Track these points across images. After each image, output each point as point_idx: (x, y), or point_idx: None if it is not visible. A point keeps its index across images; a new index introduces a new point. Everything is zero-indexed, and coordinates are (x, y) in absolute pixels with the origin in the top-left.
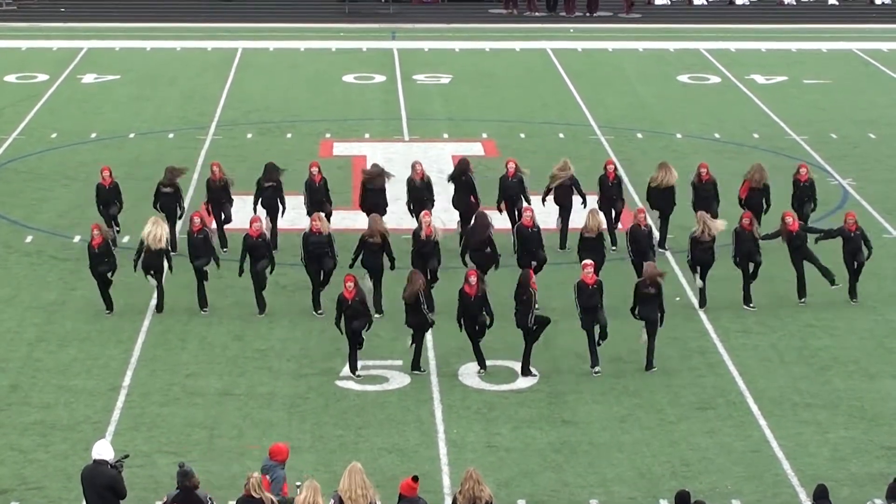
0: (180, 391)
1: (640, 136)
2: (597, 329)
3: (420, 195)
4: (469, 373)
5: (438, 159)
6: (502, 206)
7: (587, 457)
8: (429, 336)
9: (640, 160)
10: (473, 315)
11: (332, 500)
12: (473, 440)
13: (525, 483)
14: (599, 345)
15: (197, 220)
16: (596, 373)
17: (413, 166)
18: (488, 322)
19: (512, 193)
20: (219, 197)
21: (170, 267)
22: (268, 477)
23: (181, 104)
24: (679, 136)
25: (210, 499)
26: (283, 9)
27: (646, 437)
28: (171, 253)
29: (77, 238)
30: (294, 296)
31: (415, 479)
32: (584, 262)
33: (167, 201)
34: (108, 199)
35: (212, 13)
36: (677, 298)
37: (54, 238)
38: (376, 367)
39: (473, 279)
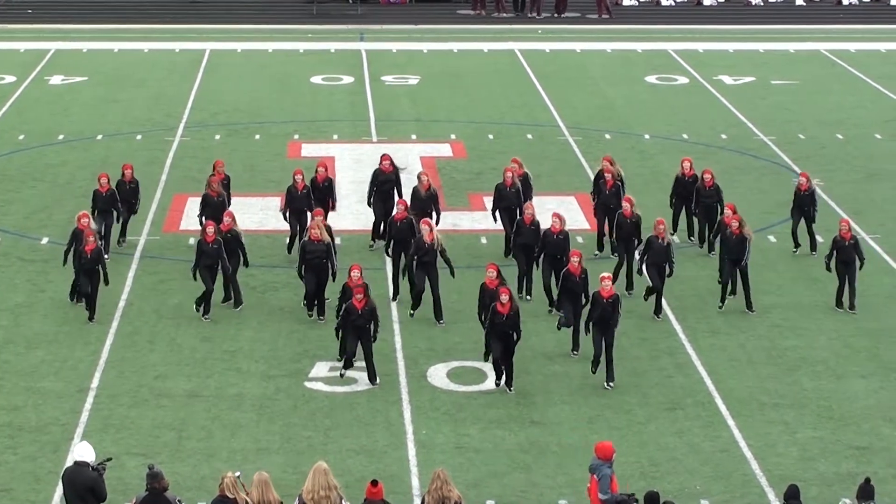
0: (149, 393)
1: (608, 136)
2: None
3: (514, 201)
4: (438, 374)
5: (407, 160)
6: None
7: (556, 457)
8: (397, 338)
9: None
10: (505, 333)
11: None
12: (442, 441)
13: (494, 484)
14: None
15: (210, 229)
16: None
17: (508, 172)
18: (516, 339)
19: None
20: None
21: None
22: (595, 475)
23: (149, 105)
24: (647, 136)
25: (179, 501)
26: (251, 10)
27: (614, 437)
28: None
29: (45, 240)
30: (263, 297)
31: (374, 483)
32: (602, 274)
33: (130, 195)
34: (106, 205)
35: (179, 14)
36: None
37: (22, 240)
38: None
39: (506, 297)
